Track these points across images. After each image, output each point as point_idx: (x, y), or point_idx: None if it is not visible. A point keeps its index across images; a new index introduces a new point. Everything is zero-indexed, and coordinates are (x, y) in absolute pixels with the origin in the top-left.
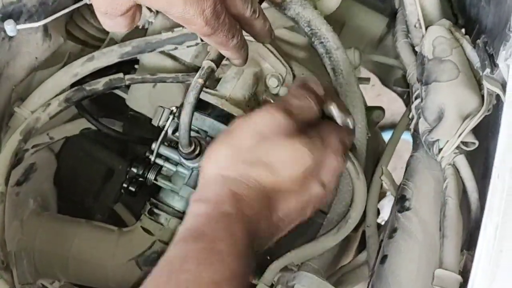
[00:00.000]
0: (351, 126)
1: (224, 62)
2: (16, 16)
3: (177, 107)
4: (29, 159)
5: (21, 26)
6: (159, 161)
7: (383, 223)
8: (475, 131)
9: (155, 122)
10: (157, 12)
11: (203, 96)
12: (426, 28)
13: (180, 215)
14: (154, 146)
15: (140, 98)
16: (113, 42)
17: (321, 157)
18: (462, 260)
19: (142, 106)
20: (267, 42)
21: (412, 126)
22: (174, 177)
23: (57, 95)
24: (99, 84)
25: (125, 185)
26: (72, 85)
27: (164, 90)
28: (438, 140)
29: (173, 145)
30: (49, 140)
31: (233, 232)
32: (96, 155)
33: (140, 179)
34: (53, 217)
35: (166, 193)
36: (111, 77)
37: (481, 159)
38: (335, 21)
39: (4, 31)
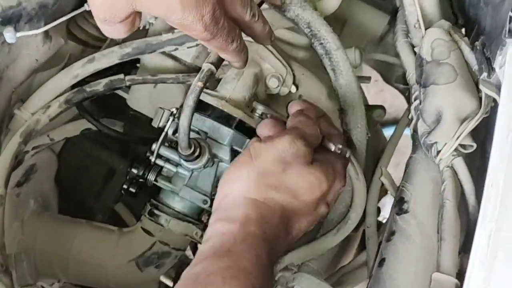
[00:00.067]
0: (347, 155)
1: (224, 62)
2: (15, 19)
3: (177, 108)
4: (30, 160)
5: (20, 34)
6: (160, 162)
7: (384, 221)
8: (474, 133)
9: (155, 124)
10: None
11: (203, 97)
12: (426, 29)
13: (180, 216)
14: (154, 146)
15: (141, 98)
16: (113, 42)
17: (332, 183)
18: (460, 263)
19: (143, 106)
20: (267, 44)
21: (411, 127)
22: (174, 178)
23: (57, 96)
24: (100, 85)
25: (125, 186)
26: (73, 86)
27: (165, 90)
28: (436, 142)
29: (174, 145)
30: (50, 141)
31: (257, 251)
32: (97, 155)
33: (141, 180)
34: (53, 217)
35: (166, 194)
36: (112, 78)
37: (480, 161)
38: (336, 19)
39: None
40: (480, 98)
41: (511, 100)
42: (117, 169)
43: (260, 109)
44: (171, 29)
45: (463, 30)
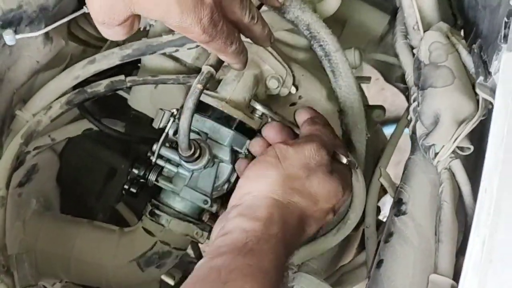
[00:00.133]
0: (355, 168)
1: (224, 63)
2: (16, 22)
3: (177, 109)
4: (31, 161)
5: (19, 36)
6: (160, 162)
7: (385, 219)
8: (472, 135)
9: (155, 125)
10: None
11: (204, 98)
12: (425, 31)
13: (181, 216)
14: (155, 147)
15: (142, 98)
16: (114, 43)
17: (344, 194)
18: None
19: (144, 107)
20: (267, 46)
21: (410, 128)
22: (175, 179)
23: (58, 97)
24: (101, 86)
25: (126, 186)
26: (74, 87)
27: (166, 90)
28: (434, 144)
29: (174, 146)
30: (51, 142)
31: (277, 252)
32: (98, 155)
33: (142, 180)
34: (55, 217)
35: (167, 194)
36: (113, 79)
37: (478, 162)
38: (337, 19)
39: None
40: (477, 101)
41: (505, 105)
42: (119, 168)
43: (260, 110)
44: (171, 31)
45: (462, 31)
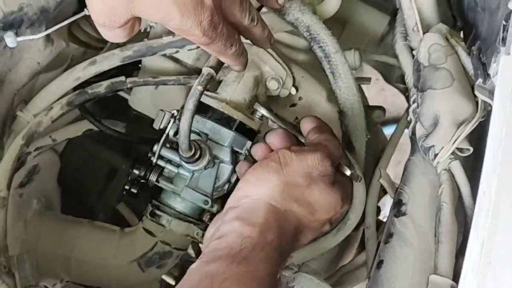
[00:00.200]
0: (358, 181)
1: (225, 65)
2: (17, 24)
3: (178, 110)
4: (32, 161)
5: (21, 38)
6: (161, 163)
7: (385, 219)
8: (471, 136)
9: (156, 125)
10: None
11: (204, 99)
12: (424, 32)
13: (181, 217)
14: (156, 148)
15: (143, 99)
16: (115, 45)
17: (343, 206)
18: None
19: (145, 107)
20: (267, 48)
21: (410, 129)
22: (175, 179)
23: (59, 98)
24: (101, 87)
25: (127, 186)
26: (75, 88)
27: (166, 91)
28: (433, 145)
29: (175, 146)
30: (52, 143)
31: (272, 260)
32: (99, 155)
33: (142, 180)
34: (56, 217)
35: (168, 194)
36: (113, 80)
37: (477, 163)
38: (337, 20)
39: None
40: (477, 103)
41: (503, 108)
42: (119, 169)
43: (260, 111)
44: (171, 32)
45: (461, 32)
